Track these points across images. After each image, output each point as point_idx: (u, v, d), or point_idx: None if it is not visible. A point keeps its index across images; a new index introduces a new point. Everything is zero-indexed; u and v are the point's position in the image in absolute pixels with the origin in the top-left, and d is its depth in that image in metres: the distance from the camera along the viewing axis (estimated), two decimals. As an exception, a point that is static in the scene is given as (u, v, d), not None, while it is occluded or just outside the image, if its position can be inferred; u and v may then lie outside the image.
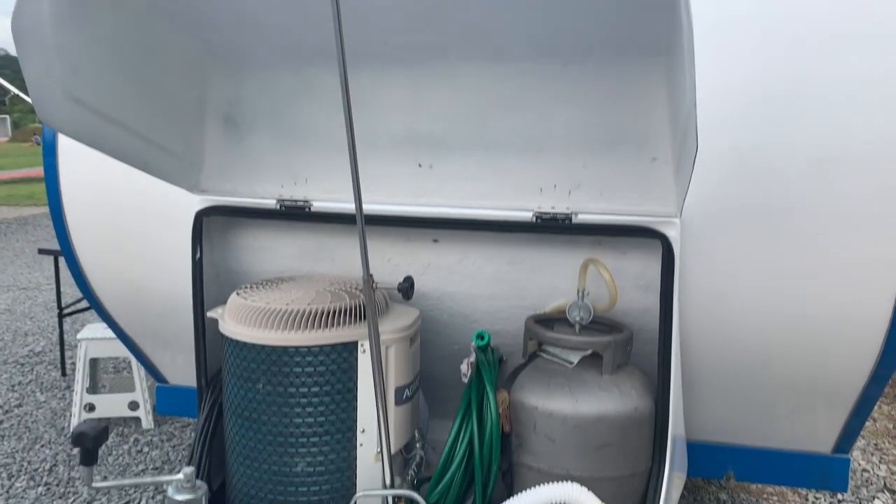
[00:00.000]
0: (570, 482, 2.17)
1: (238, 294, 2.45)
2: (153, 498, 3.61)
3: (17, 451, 4.26)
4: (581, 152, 2.33)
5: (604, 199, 2.35)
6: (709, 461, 3.02)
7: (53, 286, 5.39)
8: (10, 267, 9.15)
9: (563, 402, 2.27)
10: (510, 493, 2.31)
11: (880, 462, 4.47)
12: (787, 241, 2.39)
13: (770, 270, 2.42)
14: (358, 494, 2.29)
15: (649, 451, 2.38)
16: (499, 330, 2.73)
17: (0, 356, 5.60)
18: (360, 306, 2.39)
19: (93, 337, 4.58)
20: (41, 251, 5.27)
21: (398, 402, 2.43)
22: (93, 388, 4.70)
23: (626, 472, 2.31)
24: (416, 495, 2.23)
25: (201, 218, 2.60)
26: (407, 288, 2.15)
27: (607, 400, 2.28)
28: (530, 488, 2.17)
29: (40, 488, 3.92)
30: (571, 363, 2.40)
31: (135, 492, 3.92)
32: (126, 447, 4.38)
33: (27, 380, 5.24)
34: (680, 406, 2.51)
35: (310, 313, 2.31)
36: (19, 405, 4.85)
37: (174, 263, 2.77)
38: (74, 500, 3.82)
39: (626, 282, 2.53)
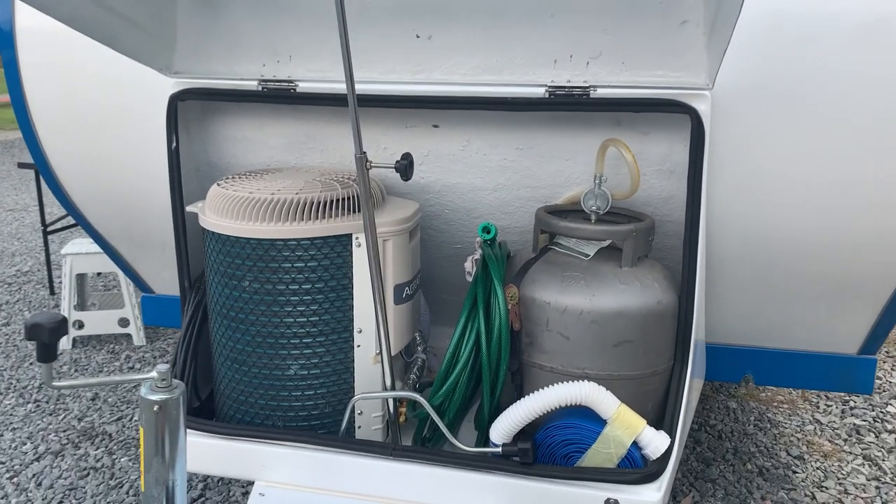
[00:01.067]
0: (585, 381, 1.96)
1: (219, 185, 2.19)
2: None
3: (4, 370, 4.09)
4: (601, 16, 2.03)
5: (626, 70, 2.07)
6: (726, 364, 2.83)
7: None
8: (-3, 190, 8.87)
9: (578, 297, 2.05)
10: (520, 395, 2.11)
11: (892, 369, 4.32)
12: (828, 120, 2.12)
13: (808, 154, 2.16)
14: (356, 397, 2.09)
15: (671, 349, 2.17)
16: (506, 226, 2.49)
17: (-14, 276, 5.39)
18: (353, 197, 2.14)
19: (77, 252, 4.35)
20: (21, 165, 4.99)
21: (397, 300, 2.21)
22: (81, 305, 4.50)
23: (646, 370, 2.11)
24: (418, 397, 2.03)
25: (176, 103, 2.31)
26: (406, 166, 1.89)
27: (627, 293, 2.06)
28: (542, 388, 1.97)
29: (30, 405, 3.76)
30: (587, 255, 2.17)
31: (127, 407, 3.77)
32: (117, 364, 4.21)
33: (14, 299, 5.04)
34: (703, 303, 2.29)
35: (299, 203, 2.06)
36: (6, 324, 4.65)
37: (150, 159, 2.50)
38: (65, 417, 3.66)
39: (648, 166, 2.27)
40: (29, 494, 3.05)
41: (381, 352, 2.02)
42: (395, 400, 2.11)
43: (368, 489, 2.03)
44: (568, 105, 2.11)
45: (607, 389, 1.97)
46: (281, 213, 2.04)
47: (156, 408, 1.54)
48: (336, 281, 2.11)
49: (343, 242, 2.10)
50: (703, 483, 3.18)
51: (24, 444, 3.45)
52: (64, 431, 3.55)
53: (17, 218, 7.31)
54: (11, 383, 3.96)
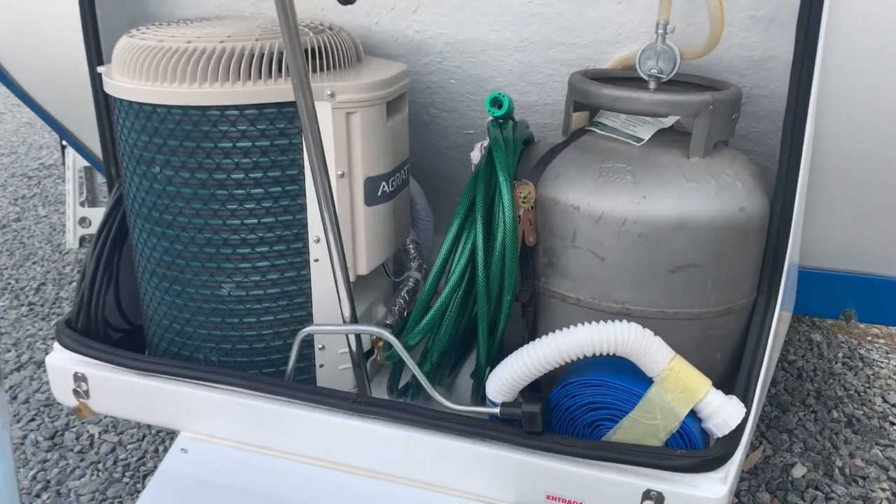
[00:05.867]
0: (625, 321, 1.29)
1: (129, 35, 1.54)
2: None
3: (6, 268, 3.68)
4: None
5: None
6: (823, 295, 2.08)
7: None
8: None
9: (621, 199, 1.35)
10: (532, 336, 1.46)
11: None
12: None
13: None
14: (303, 331, 1.47)
15: (753, 278, 1.47)
16: (532, 102, 1.77)
17: (9, 170, 4.99)
18: (316, 49, 1.47)
19: (79, 142, 3.83)
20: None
21: (370, 200, 1.55)
22: (92, 202, 4.02)
23: (716, 307, 1.42)
24: (383, 332, 1.40)
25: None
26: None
27: (695, 195, 1.35)
28: (563, 328, 1.31)
29: (23, 308, 3.34)
30: (640, 140, 1.45)
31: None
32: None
33: (31, 193, 4.62)
34: (801, 214, 1.55)
35: (223, 54, 1.40)
36: (18, 219, 4.24)
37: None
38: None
39: (737, 11, 1.50)
40: None
41: (332, 268, 1.38)
42: (358, 335, 1.49)
43: (319, 451, 1.45)
44: None
45: (656, 334, 1.30)
46: (197, 68, 1.39)
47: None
48: (280, 170, 1.46)
49: (288, 115, 1.44)
50: (777, 434, 2.50)
51: (9, 350, 3.04)
52: (53, 339, 3.12)
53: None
54: (9, 283, 3.55)
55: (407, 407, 1.40)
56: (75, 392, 1.59)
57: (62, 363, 1.59)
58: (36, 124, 5.95)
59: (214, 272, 1.51)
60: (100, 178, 4.08)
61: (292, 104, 1.43)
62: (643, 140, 1.44)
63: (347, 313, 1.43)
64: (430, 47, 1.73)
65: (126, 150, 1.51)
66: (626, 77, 1.58)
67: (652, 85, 1.50)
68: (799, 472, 2.34)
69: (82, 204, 3.94)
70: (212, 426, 1.51)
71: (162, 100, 1.41)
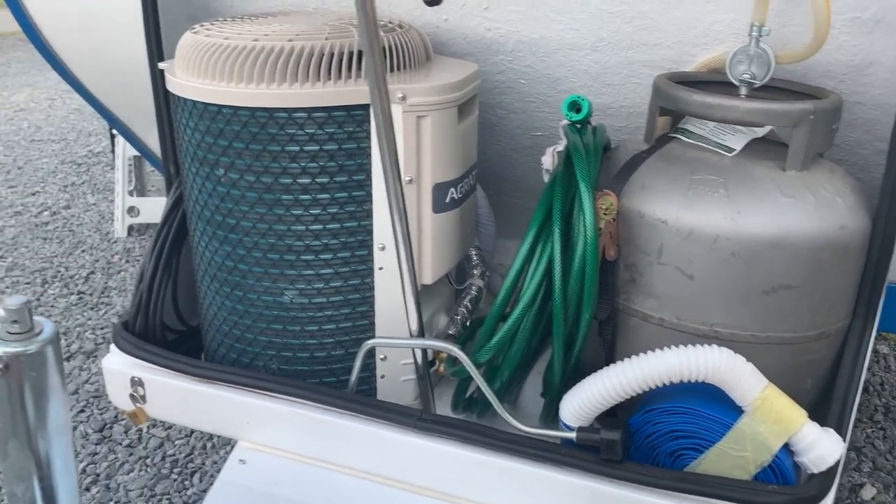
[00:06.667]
0: (716, 346, 1.20)
1: (193, 31, 1.49)
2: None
3: (55, 256, 3.70)
4: None
5: None
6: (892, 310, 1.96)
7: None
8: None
9: (713, 214, 1.25)
10: (609, 356, 1.38)
11: None
12: None
13: None
14: (368, 343, 1.41)
15: (849, 301, 1.36)
16: (608, 105, 1.67)
17: (59, 156, 5.03)
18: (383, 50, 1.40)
19: (129, 132, 3.83)
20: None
21: (438, 207, 1.47)
22: (141, 191, 4.03)
23: (810, 331, 1.32)
24: (454, 349, 1.33)
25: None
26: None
27: (793, 212, 1.25)
28: (645, 350, 1.23)
29: (72, 297, 3.35)
30: (731, 150, 1.35)
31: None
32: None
33: (81, 181, 4.65)
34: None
35: (291, 53, 1.33)
36: (68, 207, 4.27)
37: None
38: (106, 312, 3.24)
39: (838, 13, 1.38)
40: (45, 401, 2.63)
41: (402, 281, 1.32)
42: (424, 349, 1.42)
43: (382, 468, 1.39)
44: None
45: (746, 359, 1.20)
46: (265, 68, 1.33)
47: (0, 367, 0.92)
48: (347, 175, 1.40)
49: (357, 118, 1.37)
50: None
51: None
52: (101, 329, 3.12)
53: (106, 99, 6.97)
54: (59, 271, 3.56)
55: (476, 427, 1.33)
56: (132, 397, 1.56)
57: (119, 367, 1.55)
58: (85, 111, 6.00)
59: (277, 278, 1.45)
60: (148, 168, 4.08)
61: (362, 107, 1.36)
62: (735, 150, 1.34)
63: (415, 327, 1.36)
64: (500, 46, 1.64)
65: (189, 151, 1.46)
66: (712, 81, 1.48)
67: (743, 91, 1.39)
68: (868, 493, 2.23)
69: (131, 193, 3.94)
70: (271, 437, 1.46)
71: (228, 100, 1.35)
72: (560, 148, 1.50)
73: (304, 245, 1.43)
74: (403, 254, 1.28)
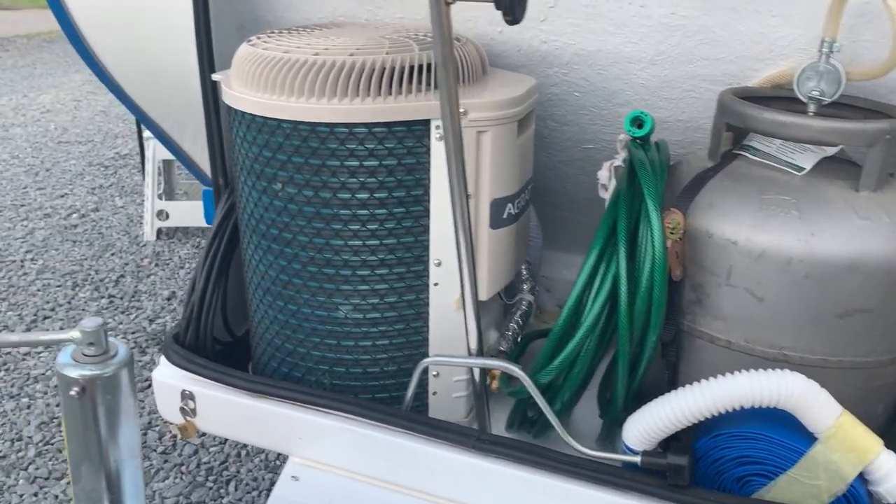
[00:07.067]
0: (788, 371, 1.17)
1: (249, 42, 1.47)
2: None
3: (86, 259, 3.71)
4: None
5: None
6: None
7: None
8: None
9: (786, 235, 1.22)
10: (673, 379, 1.35)
11: None
12: None
13: None
14: (424, 362, 1.39)
15: (922, 324, 1.33)
16: (666, 118, 1.64)
17: (86, 158, 5.05)
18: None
19: (160, 136, 3.83)
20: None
21: (496, 223, 1.45)
22: (169, 194, 4.03)
23: (883, 356, 1.28)
24: (516, 370, 1.31)
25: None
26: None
27: (869, 234, 1.21)
28: (713, 373, 1.20)
29: (103, 300, 3.36)
30: (801, 169, 1.32)
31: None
32: (199, 260, 3.75)
33: (108, 183, 4.66)
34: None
35: (353, 68, 1.31)
36: (96, 209, 4.28)
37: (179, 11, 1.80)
38: (136, 317, 3.24)
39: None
40: (79, 407, 2.63)
41: (462, 297, 1.29)
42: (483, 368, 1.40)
43: (437, 488, 1.37)
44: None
45: (819, 385, 1.17)
46: (326, 83, 1.31)
47: (75, 390, 0.90)
48: (405, 190, 1.37)
49: (417, 133, 1.35)
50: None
51: (91, 344, 3.04)
52: (133, 333, 3.12)
53: (130, 100, 6.99)
54: (90, 274, 3.57)
55: (536, 449, 1.30)
56: (182, 410, 1.54)
57: (169, 379, 1.53)
58: (111, 113, 6.02)
59: (332, 293, 1.44)
60: (177, 171, 4.08)
61: (422, 122, 1.34)
62: (805, 169, 1.31)
63: (475, 345, 1.34)
64: (555, 58, 1.61)
65: (245, 165, 1.44)
66: (776, 96, 1.45)
67: (811, 108, 1.36)
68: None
69: (160, 196, 3.95)
70: (323, 453, 1.44)
71: (287, 115, 1.33)
72: (618, 162, 1.47)
73: (360, 260, 1.41)
74: (466, 271, 1.26)
